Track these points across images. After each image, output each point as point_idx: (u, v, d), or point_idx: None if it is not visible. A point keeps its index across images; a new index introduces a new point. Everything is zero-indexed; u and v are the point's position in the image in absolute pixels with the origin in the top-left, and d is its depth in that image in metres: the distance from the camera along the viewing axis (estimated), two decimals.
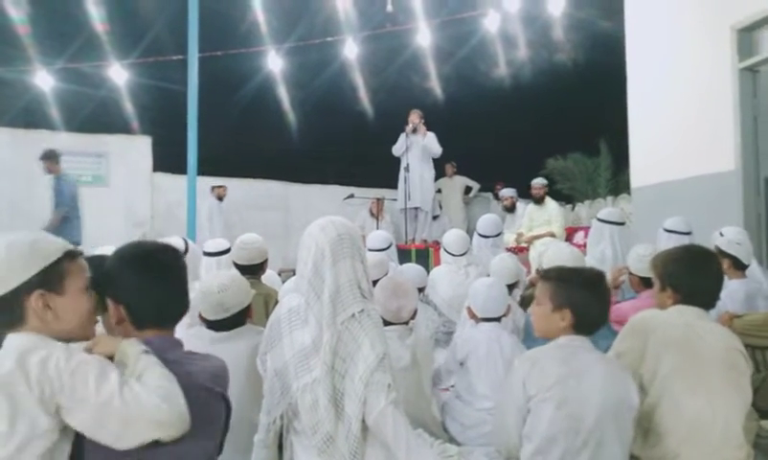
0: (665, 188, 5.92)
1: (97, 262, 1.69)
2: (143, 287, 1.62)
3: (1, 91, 9.37)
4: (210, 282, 2.68)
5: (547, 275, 2.28)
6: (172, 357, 1.58)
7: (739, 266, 3.55)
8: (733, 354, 2.29)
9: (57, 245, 1.53)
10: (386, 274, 3.75)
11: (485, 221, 5.25)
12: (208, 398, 1.61)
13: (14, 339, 1.44)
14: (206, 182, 8.81)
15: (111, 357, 1.51)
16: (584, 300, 2.12)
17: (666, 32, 6.10)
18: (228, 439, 1.72)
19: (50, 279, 1.48)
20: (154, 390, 1.42)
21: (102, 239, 6.49)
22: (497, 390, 2.83)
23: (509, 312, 3.18)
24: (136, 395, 1.40)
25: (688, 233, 3.97)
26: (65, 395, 1.37)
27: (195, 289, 2.66)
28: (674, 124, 5.89)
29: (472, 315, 3.18)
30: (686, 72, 5.80)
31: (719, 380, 2.22)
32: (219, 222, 9.07)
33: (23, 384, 1.35)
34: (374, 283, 2.54)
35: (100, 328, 1.70)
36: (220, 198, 9.33)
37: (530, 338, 3.35)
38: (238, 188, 10.33)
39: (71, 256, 1.54)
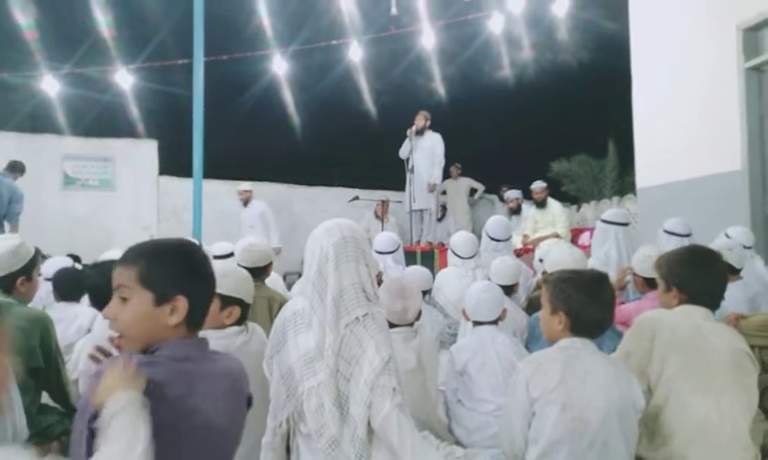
0: (670, 188, 5.90)
1: (106, 267, 1.69)
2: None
3: (8, 96, 9.43)
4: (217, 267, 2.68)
5: (546, 278, 2.28)
6: (200, 368, 1.48)
7: (731, 270, 3.51)
8: (739, 355, 2.28)
9: None
10: (378, 273, 3.75)
11: (497, 224, 5.14)
12: (242, 402, 1.61)
13: None
14: (211, 185, 8.83)
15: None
16: (579, 303, 2.10)
17: (672, 31, 6.08)
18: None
19: None
20: None
21: (109, 243, 6.56)
22: (496, 393, 2.84)
23: (505, 316, 3.18)
24: None
25: (687, 235, 3.96)
26: None
27: None
28: (680, 124, 5.87)
29: (467, 317, 3.20)
30: (691, 72, 5.78)
31: (726, 381, 2.22)
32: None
33: None
34: None
35: None
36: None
37: (534, 340, 3.36)
38: None
39: None
